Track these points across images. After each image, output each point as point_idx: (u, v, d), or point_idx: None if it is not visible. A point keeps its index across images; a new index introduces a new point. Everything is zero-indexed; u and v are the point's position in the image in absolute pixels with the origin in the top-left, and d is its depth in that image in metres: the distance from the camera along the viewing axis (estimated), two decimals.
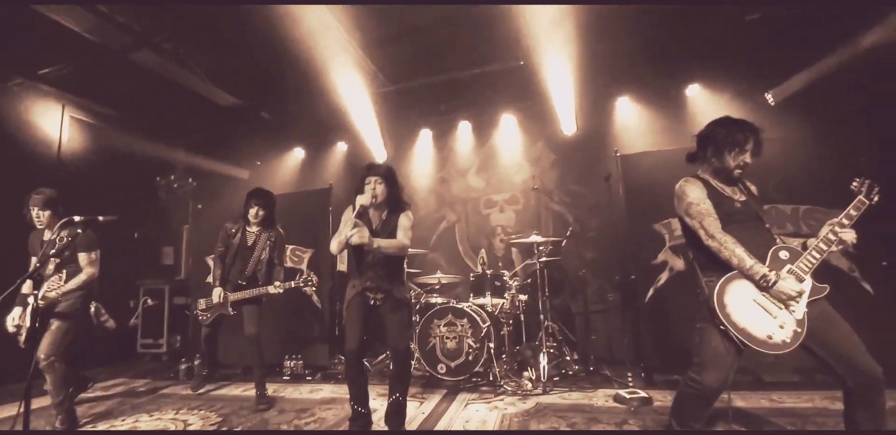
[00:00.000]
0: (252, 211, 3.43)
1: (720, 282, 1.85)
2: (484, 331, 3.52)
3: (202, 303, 3.53)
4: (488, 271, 4.05)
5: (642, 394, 2.94)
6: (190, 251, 5.70)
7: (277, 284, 3.28)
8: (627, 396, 2.92)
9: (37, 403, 3.19)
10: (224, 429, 2.76)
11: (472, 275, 4.19)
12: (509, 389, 3.31)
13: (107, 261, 3.10)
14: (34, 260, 2.99)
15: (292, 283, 3.27)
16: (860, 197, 1.85)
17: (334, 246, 2.37)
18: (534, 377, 3.42)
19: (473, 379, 3.56)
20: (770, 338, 1.77)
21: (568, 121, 4.97)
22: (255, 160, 6.34)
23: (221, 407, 3.24)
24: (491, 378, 3.48)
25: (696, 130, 2.11)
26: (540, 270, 3.94)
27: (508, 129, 5.46)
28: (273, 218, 3.54)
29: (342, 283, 4.57)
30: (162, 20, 3.91)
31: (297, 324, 4.55)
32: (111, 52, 4.06)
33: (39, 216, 2.92)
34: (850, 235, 1.82)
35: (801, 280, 1.81)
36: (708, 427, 2.28)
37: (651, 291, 3.70)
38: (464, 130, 5.64)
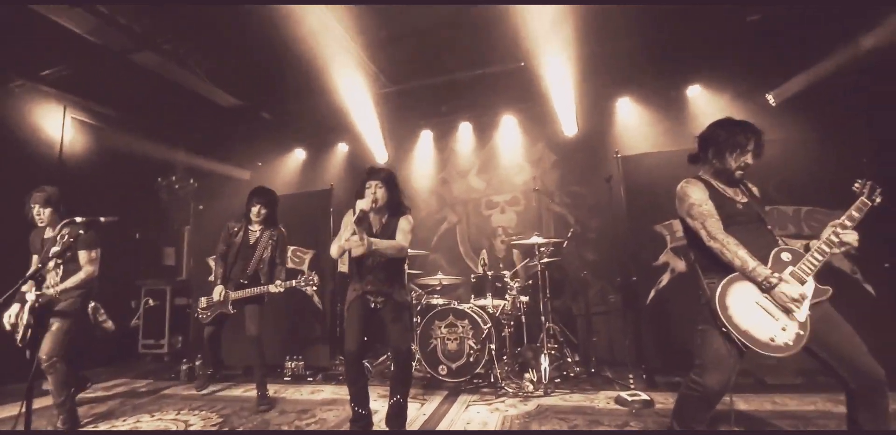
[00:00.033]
0: (254, 209, 3.41)
1: (722, 283, 1.84)
2: (485, 332, 3.51)
3: (203, 301, 3.50)
4: (489, 272, 4.04)
5: (644, 396, 2.94)
6: (191, 252, 5.71)
7: (279, 282, 3.26)
8: (629, 399, 2.91)
9: (37, 404, 3.20)
10: (225, 429, 2.76)
11: (472, 276, 4.19)
12: (510, 390, 3.31)
13: (108, 261, 3.09)
14: (35, 258, 3.00)
15: (293, 282, 3.24)
16: (862, 198, 1.85)
17: (334, 250, 2.38)
18: (535, 379, 3.41)
19: (474, 380, 3.55)
20: (772, 340, 1.76)
21: (568, 122, 4.98)
22: (256, 161, 6.35)
23: (222, 408, 3.24)
24: (492, 380, 3.48)
25: (697, 132, 2.11)
26: (541, 271, 3.94)
27: (509, 130, 5.46)
28: (275, 216, 3.53)
29: (343, 284, 4.57)
30: (162, 21, 3.92)
31: (299, 325, 4.55)
32: (112, 54, 4.07)
33: (40, 214, 2.91)
34: (852, 237, 1.81)
35: (803, 282, 1.80)
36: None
37: (652, 293, 3.70)
38: (464, 131, 5.64)
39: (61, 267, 2.87)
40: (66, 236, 2.80)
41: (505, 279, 4.02)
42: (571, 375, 3.69)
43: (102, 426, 2.88)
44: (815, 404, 2.80)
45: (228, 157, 6.29)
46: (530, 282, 4.19)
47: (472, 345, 3.53)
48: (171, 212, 6.05)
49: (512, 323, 3.90)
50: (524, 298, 3.96)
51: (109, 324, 3.13)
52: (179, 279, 5.77)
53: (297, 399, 3.42)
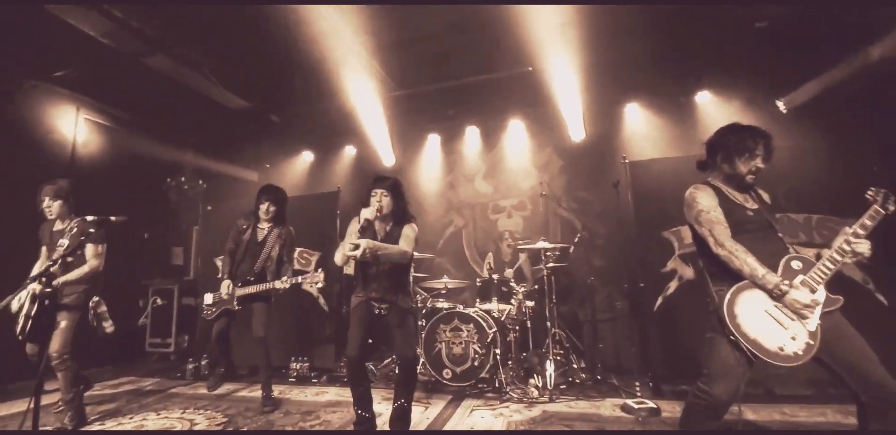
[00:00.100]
0: (263, 207, 3.41)
1: (731, 291, 1.83)
2: (490, 337, 3.50)
3: (209, 298, 3.45)
4: (495, 277, 4.03)
5: (650, 404, 2.90)
6: (199, 252, 5.75)
7: (284, 278, 3.21)
8: (635, 407, 2.88)
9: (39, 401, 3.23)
10: (230, 429, 2.77)
11: (478, 280, 4.18)
12: (515, 396, 3.29)
13: (118, 260, 3.11)
14: (44, 249, 3.03)
15: (299, 278, 3.19)
16: (875, 206, 1.82)
17: (338, 258, 2.39)
18: (540, 385, 3.39)
19: (479, 385, 3.54)
20: (781, 350, 1.74)
21: (576, 127, 4.97)
22: (264, 163, 6.40)
23: (227, 407, 3.25)
24: (497, 385, 3.46)
25: (706, 138, 2.10)
26: (547, 276, 3.92)
27: (516, 134, 5.46)
28: (284, 214, 3.51)
29: (349, 286, 4.58)
30: (174, 25, 3.98)
31: (304, 326, 4.57)
32: (125, 56, 4.14)
33: (50, 206, 2.93)
34: (864, 246, 1.78)
35: (813, 291, 1.78)
36: None
37: (660, 300, 3.67)
38: (472, 135, 5.65)
39: (66, 259, 2.81)
40: (75, 230, 2.83)
41: (510, 283, 4.01)
42: (577, 381, 3.67)
43: (109, 424, 2.91)
44: (826, 416, 2.76)
45: (237, 158, 6.35)
46: (536, 287, 4.18)
47: (477, 349, 3.52)
48: (180, 212, 6.11)
49: (517, 328, 3.88)
50: (530, 303, 3.94)
51: (109, 324, 3.04)
52: (187, 279, 5.81)
53: (302, 400, 3.42)
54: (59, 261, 2.79)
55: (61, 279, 2.79)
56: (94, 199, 3.21)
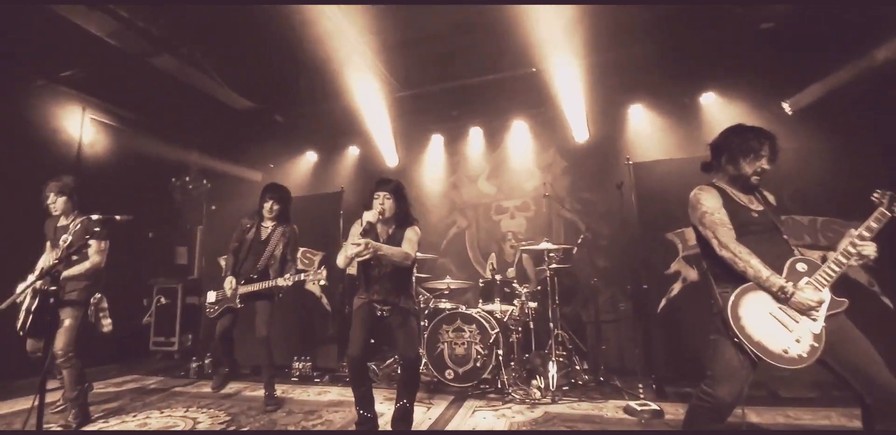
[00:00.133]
0: (267, 205, 3.41)
1: (735, 293, 1.82)
2: (492, 337, 3.50)
3: (212, 296, 3.44)
4: (497, 277, 4.03)
5: (653, 406, 2.90)
6: (203, 251, 5.78)
7: (287, 276, 3.19)
8: (638, 408, 2.87)
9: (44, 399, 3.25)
10: (232, 428, 2.78)
11: (481, 281, 4.18)
12: (517, 397, 3.29)
13: (122, 259, 3.13)
14: (48, 245, 3.04)
15: (302, 275, 3.17)
16: (881, 209, 1.80)
17: (341, 261, 2.40)
18: (542, 386, 3.38)
19: (481, 386, 3.54)
20: (786, 352, 1.73)
21: (580, 128, 4.97)
22: (268, 163, 6.43)
23: (230, 406, 3.26)
24: (499, 385, 3.46)
25: (711, 139, 2.09)
26: (550, 277, 3.92)
27: (520, 135, 5.46)
28: (288, 213, 3.51)
29: (352, 286, 4.60)
30: (180, 25, 4.00)
31: (307, 326, 4.58)
32: (130, 56, 4.16)
33: (54, 202, 2.95)
34: (870, 249, 1.77)
35: (819, 292, 1.77)
36: None
37: (664, 302, 3.66)
38: (475, 136, 5.66)
39: (71, 257, 2.81)
40: (79, 227, 2.85)
41: (513, 284, 4.01)
42: (580, 383, 3.66)
43: (113, 422, 2.92)
44: (830, 419, 2.74)
45: (241, 158, 6.37)
46: (539, 288, 4.17)
47: (480, 350, 3.51)
48: (185, 212, 6.14)
49: (520, 329, 3.88)
50: (533, 304, 3.94)
51: (108, 322, 3.03)
52: (191, 278, 5.85)
53: (305, 400, 3.43)
54: (64, 258, 2.83)
55: (64, 273, 2.77)
56: (99, 198, 3.23)
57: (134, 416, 3.06)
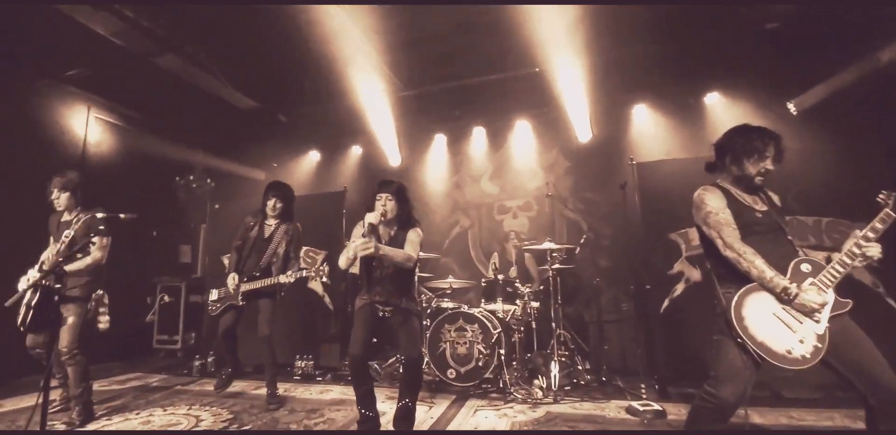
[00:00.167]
0: (270, 203, 3.41)
1: (738, 293, 1.82)
2: (495, 337, 3.50)
3: (214, 293, 3.44)
4: (500, 277, 4.03)
5: (656, 406, 2.89)
6: (207, 250, 5.81)
7: (289, 272, 3.17)
8: (640, 409, 2.87)
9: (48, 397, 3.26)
10: (234, 426, 2.79)
11: (483, 280, 4.18)
12: (519, 396, 3.29)
13: (127, 258, 3.13)
14: (52, 239, 3.04)
15: (303, 272, 3.13)
16: (887, 210, 1.79)
17: (343, 262, 2.42)
18: (544, 386, 3.38)
19: (483, 385, 3.54)
20: (789, 352, 1.72)
21: (583, 128, 4.96)
22: (271, 162, 6.45)
23: (233, 404, 3.27)
24: (501, 385, 3.46)
25: (715, 139, 2.09)
26: (553, 277, 3.92)
27: (523, 135, 5.46)
28: (291, 211, 3.51)
29: (355, 284, 4.61)
30: (184, 24, 4.01)
31: (309, 324, 4.59)
32: (135, 56, 4.18)
33: (58, 197, 2.96)
34: (875, 250, 1.77)
35: (823, 293, 1.76)
36: None
37: (666, 302, 3.65)
38: (478, 136, 5.65)
39: (76, 255, 2.81)
40: (82, 224, 2.86)
41: (516, 284, 4.00)
42: (582, 383, 3.65)
43: (116, 419, 2.94)
44: (834, 420, 2.73)
45: (245, 158, 6.39)
46: (542, 287, 4.17)
47: (482, 349, 3.52)
48: (188, 211, 6.16)
49: (522, 328, 3.88)
50: (535, 304, 3.94)
51: (105, 319, 2.99)
52: (194, 277, 5.87)
53: (307, 398, 3.44)
54: (64, 253, 2.82)
55: (65, 267, 2.72)
56: (104, 197, 3.23)
57: (137, 413, 3.07)
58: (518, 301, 3.89)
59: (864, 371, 1.70)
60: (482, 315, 3.63)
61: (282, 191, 3.46)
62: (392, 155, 5.74)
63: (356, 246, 2.25)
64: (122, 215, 2.86)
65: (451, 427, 2.76)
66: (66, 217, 3.00)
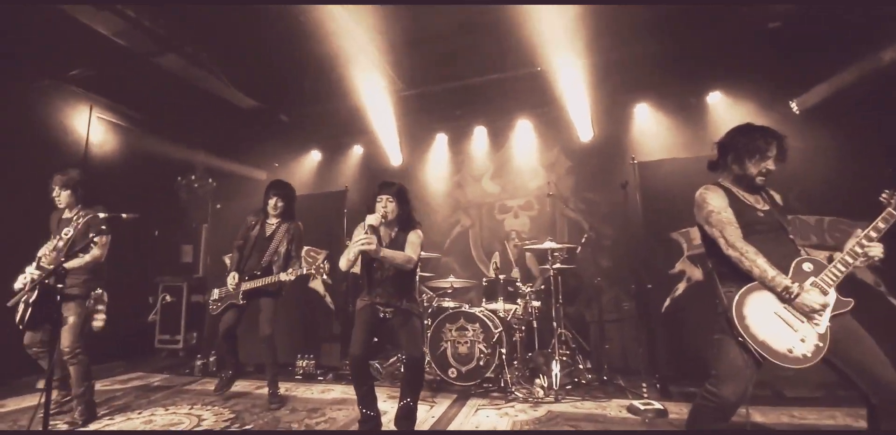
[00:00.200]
0: (271, 202, 3.41)
1: (740, 293, 1.82)
2: (496, 336, 3.50)
3: (216, 293, 3.43)
4: (501, 277, 4.03)
5: (657, 405, 2.89)
6: (208, 250, 5.81)
7: (290, 270, 3.16)
8: (642, 408, 2.86)
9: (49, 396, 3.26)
10: (236, 426, 2.79)
11: (484, 280, 4.18)
12: (520, 395, 3.29)
13: (129, 257, 3.13)
14: (53, 236, 3.03)
15: (304, 269, 3.10)
16: (889, 209, 1.79)
17: (343, 263, 2.42)
18: (545, 385, 3.38)
19: (484, 384, 3.54)
20: (790, 351, 1.72)
21: (584, 127, 4.96)
22: (272, 162, 6.46)
23: (234, 404, 3.28)
24: (502, 384, 3.46)
25: (717, 138, 2.09)
26: (554, 276, 3.91)
27: (524, 134, 5.46)
28: (292, 210, 3.51)
29: (356, 284, 4.61)
30: (185, 24, 4.02)
31: (310, 324, 4.60)
32: (137, 56, 4.19)
33: (59, 195, 2.97)
34: (877, 250, 1.77)
35: (824, 293, 1.76)
36: None
37: (668, 301, 3.64)
38: (479, 135, 5.65)
39: (78, 254, 2.81)
40: (82, 223, 2.85)
41: (517, 283, 4.00)
42: (583, 382, 3.65)
43: (118, 419, 2.95)
44: (835, 418, 2.73)
45: (246, 157, 6.40)
46: (543, 287, 4.17)
47: (483, 349, 3.52)
48: (190, 210, 6.17)
49: (523, 328, 3.88)
50: (536, 303, 3.94)
51: (101, 318, 2.94)
52: (196, 276, 5.87)
53: (308, 398, 3.45)
54: (65, 252, 2.82)
55: (64, 264, 2.73)
56: (107, 197, 3.21)
57: (139, 413, 3.08)
58: (519, 300, 3.89)
59: (865, 370, 1.70)
60: (483, 314, 3.63)
61: (283, 190, 3.45)
62: (393, 154, 5.74)
63: (357, 241, 2.26)
64: (124, 215, 2.86)
65: (452, 426, 2.77)
66: (66, 214, 3.01)
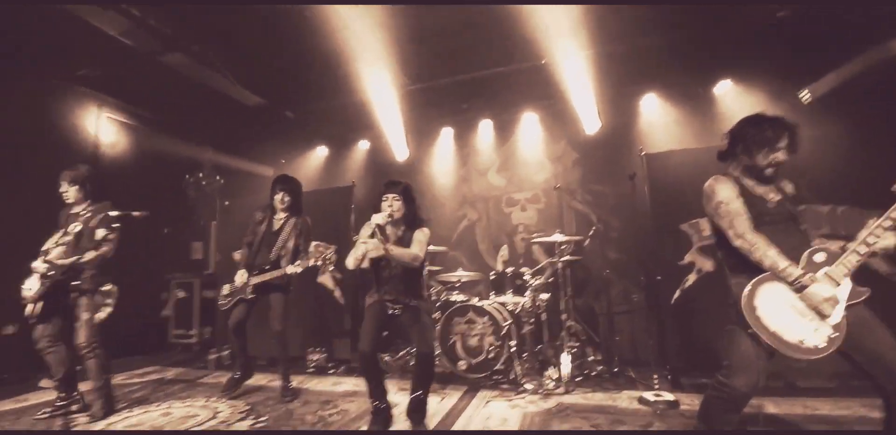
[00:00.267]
0: (278, 197, 3.42)
1: (751, 283, 1.80)
2: (505, 329, 3.51)
3: (226, 288, 3.46)
4: (509, 270, 4.03)
5: (668, 397, 2.89)
6: (218, 246, 5.87)
7: (297, 262, 3.16)
8: (652, 399, 2.87)
9: (38, 398, 3.29)
10: (251, 417, 2.84)
11: (492, 273, 4.19)
12: (530, 387, 3.30)
13: (141, 255, 3.15)
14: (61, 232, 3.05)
15: (310, 261, 3.10)
16: None
17: (350, 262, 2.44)
18: (555, 377, 3.39)
19: (494, 377, 3.56)
20: (802, 342, 1.71)
21: (591, 119, 4.91)
22: (279, 158, 6.48)
23: (249, 396, 3.34)
24: (512, 377, 3.48)
25: (726, 128, 2.06)
26: (562, 269, 3.91)
27: (530, 127, 5.42)
28: (300, 204, 3.52)
29: (364, 278, 4.64)
30: (190, 22, 4.02)
31: (322, 318, 4.65)
32: (143, 55, 4.21)
33: (67, 191, 2.99)
34: (892, 241, 1.74)
35: (838, 283, 1.74)
36: None
37: (678, 293, 3.63)
38: (485, 129, 5.62)
39: (88, 250, 2.83)
40: (91, 216, 2.86)
41: (525, 277, 4.00)
42: (593, 374, 3.66)
43: (136, 411, 3.01)
44: (850, 409, 2.70)
45: (253, 154, 6.44)
46: (551, 280, 4.17)
47: (492, 341, 3.54)
48: (199, 208, 6.23)
49: (532, 320, 3.89)
50: (544, 296, 3.94)
51: (106, 311, 2.93)
52: (207, 272, 5.95)
53: (320, 390, 3.50)
54: (73, 246, 2.83)
55: (69, 260, 2.78)
56: (117, 196, 3.24)
57: (157, 405, 3.15)
58: (527, 293, 3.90)
59: (880, 360, 1.68)
60: (492, 308, 3.64)
61: (289, 184, 3.47)
62: (399, 149, 5.74)
63: (367, 247, 2.28)
64: (135, 213, 2.90)
65: (462, 418, 2.79)
66: (75, 210, 3.02)
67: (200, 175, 6.14)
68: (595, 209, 5.00)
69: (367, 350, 2.41)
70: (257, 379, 3.86)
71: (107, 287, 2.94)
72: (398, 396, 3.02)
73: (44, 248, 2.99)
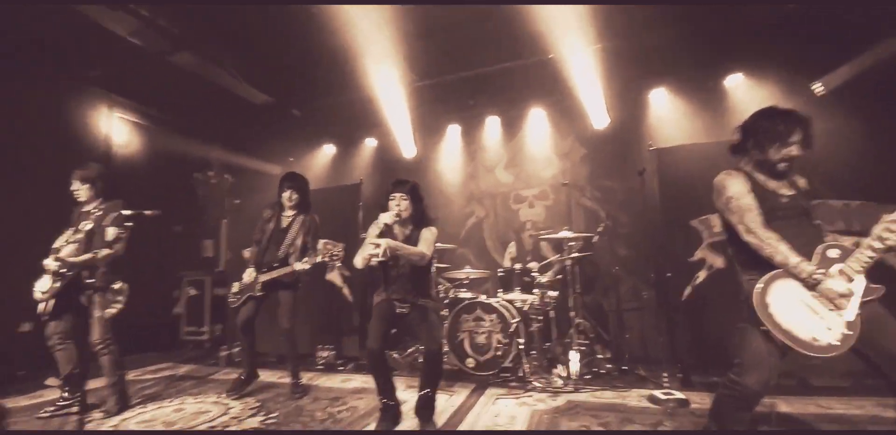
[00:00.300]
0: (285, 194, 3.44)
1: (763, 280, 1.77)
2: (513, 327, 3.51)
3: (236, 286, 3.47)
4: (517, 267, 4.02)
5: (678, 395, 2.87)
6: (228, 244, 5.94)
7: (305, 259, 3.17)
8: (663, 397, 2.85)
9: (43, 397, 3.32)
10: (262, 414, 2.88)
11: (500, 270, 4.18)
12: (539, 385, 3.30)
13: (153, 254, 3.18)
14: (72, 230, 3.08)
15: (318, 258, 3.08)
16: None
17: (358, 261, 2.45)
18: (564, 375, 3.38)
19: (502, 374, 3.56)
20: (816, 340, 1.68)
21: (599, 114, 4.85)
22: (287, 156, 6.51)
23: (259, 393, 3.38)
24: (520, 374, 3.47)
25: (737, 122, 2.02)
26: (571, 266, 3.89)
27: (538, 123, 5.38)
28: (307, 202, 3.53)
29: (373, 276, 4.66)
30: (198, 22, 4.05)
31: (331, 315, 4.68)
32: (152, 55, 4.25)
33: (78, 189, 3.02)
34: None
35: (851, 280, 1.71)
36: None
37: (689, 289, 3.59)
38: (492, 125, 5.60)
39: (100, 249, 2.84)
40: (102, 214, 2.88)
41: (533, 273, 3.99)
42: (602, 371, 3.64)
43: (150, 407, 3.06)
44: (864, 408, 2.66)
45: (261, 152, 6.48)
46: (560, 277, 4.14)
47: (500, 339, 3.53)
48: (208, 206, 6.30)
49: (541, 318, 3.87)
50: (553, 293, 3.92)
51: (116, 307, 2.92)
52: (218, 270, 6.01)
53: (330, 387, 3.53)
54: (85, 244, 2.86)
55: (81, 258, 2.81)
56: (129, 196, 3.27)
57: (170, 401, 3.20)
58: (536, 290, 3.88)
59: (895, 358, 1.65)
60: (500, 305, 3.64)
61: (296, 182, 3.49)
62: (407, 146, 5.73)
63: (373, 252, 2.30)
64: (146, 212, 2.93)
65: (471, 415, 2.79)
66: (86, 208, 3.05)
67: (210, 174, 6.20)
68: (604, 205, 4.96)
69: (375, 348, 2.42)
70: (267, 376, 3.90)
71: (117, 285, 2.96)
72: (406, 394, 3.03)
73: (55, 245, 3.02)
